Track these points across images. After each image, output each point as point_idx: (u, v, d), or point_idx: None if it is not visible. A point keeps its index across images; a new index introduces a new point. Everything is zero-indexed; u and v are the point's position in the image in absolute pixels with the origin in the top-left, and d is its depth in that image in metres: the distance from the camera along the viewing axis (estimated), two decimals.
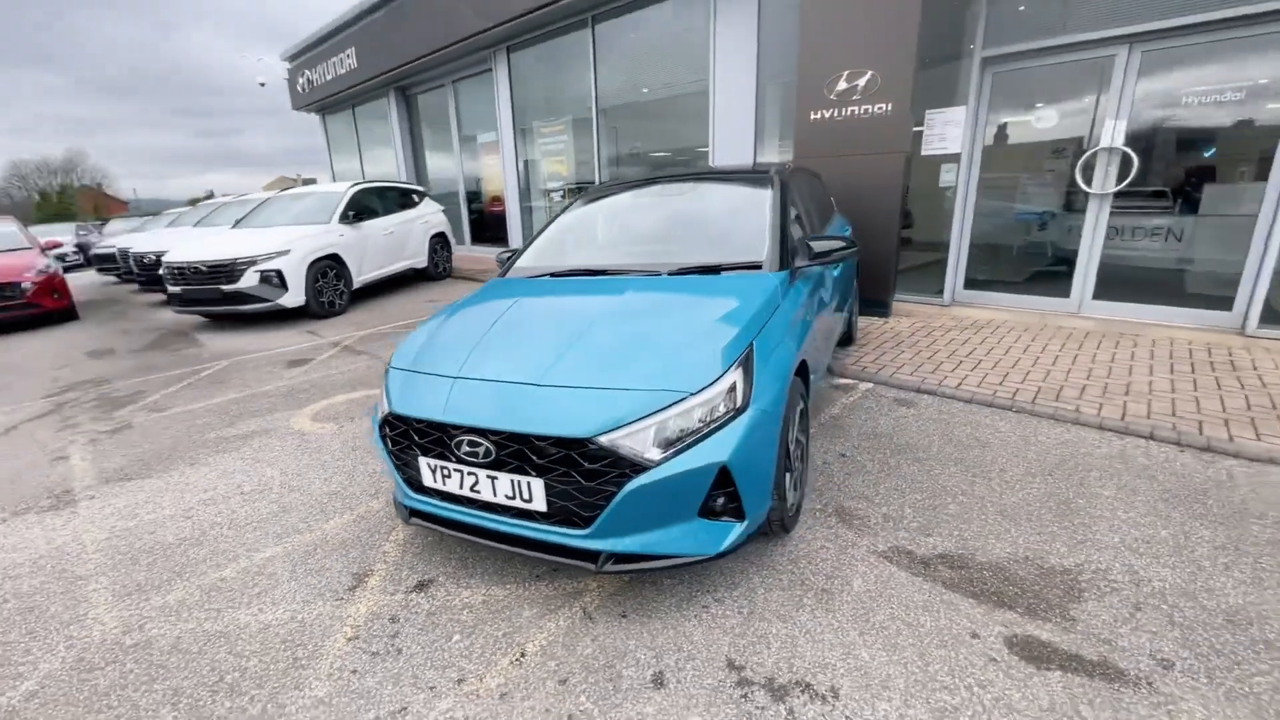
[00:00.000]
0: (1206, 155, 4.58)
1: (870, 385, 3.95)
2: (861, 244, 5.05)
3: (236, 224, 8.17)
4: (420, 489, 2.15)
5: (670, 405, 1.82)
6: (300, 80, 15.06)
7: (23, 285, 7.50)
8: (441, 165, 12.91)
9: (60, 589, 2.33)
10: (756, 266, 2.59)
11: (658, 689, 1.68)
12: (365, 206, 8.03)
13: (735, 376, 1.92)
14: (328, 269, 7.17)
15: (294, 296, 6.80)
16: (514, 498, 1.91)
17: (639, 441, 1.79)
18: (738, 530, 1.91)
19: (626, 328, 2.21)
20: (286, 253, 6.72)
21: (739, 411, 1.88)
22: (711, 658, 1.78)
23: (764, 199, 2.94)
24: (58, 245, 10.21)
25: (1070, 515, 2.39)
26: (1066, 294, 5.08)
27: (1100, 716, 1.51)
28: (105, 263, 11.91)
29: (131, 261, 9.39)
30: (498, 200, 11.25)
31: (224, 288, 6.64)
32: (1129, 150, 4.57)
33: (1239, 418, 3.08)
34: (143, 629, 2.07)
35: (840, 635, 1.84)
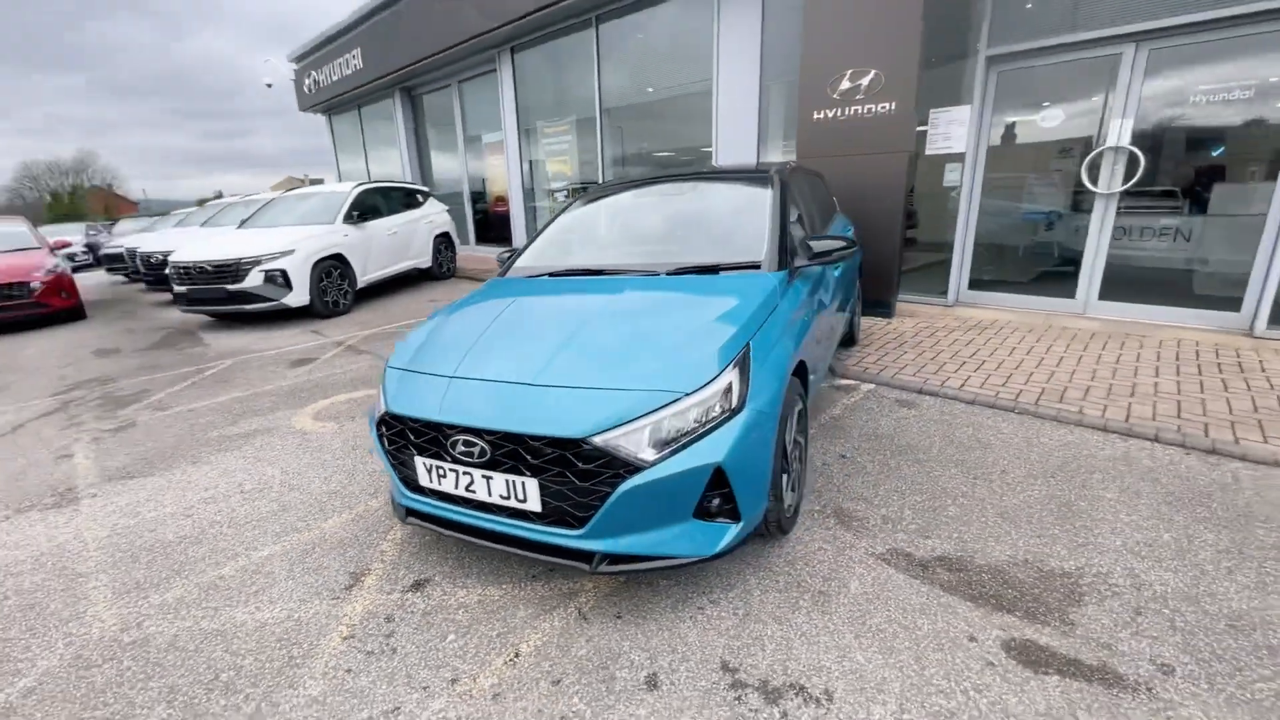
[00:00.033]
0: (1214, 154, 4.53)
1: (872, 386, 3.93)
2: (864, 244, 5.06)
3: (242, 224, 8.22)
4: (417, 488, 2.15)
5: (665, 405, 1.82)
6: (307, 81, 15.15)
7: (31, 285, 7.57)
8: (446, 165, 12.94)
9: (61, 586, 2.35)
10: (755, 266, 2.58)
11: (651, 691, 1.68)
12: (370, 206, 8.06)
13: (731, 377, 1.91)
14: (332, 269, 7.20)
15: (298, 296, 6.83)
16: (508, 498, 1.91)
17: (633, 442, 1.78)
18: (733, 532, 1.89)
19: (623, 328, 2.20)
20: (291, 252, 6.75)
21: (734, 412, 1.87)
22: (706, 659, 1.77)
23: (763, 199, 2.93)
24: (66, 245, 10.31)
25: (1072, 518, 2.37)
26: (1072, 294, 5.04)
27: None
28: (114, 262, 12.01)
29: (139, 261, 9.48)
30: (502, 200, 11.27)
31: (229, 287, 6.68)
32: (1135, 149, 4.53)
33: (1245, 420, 3.04)
34: (141, 626, 2.08)
35: (836, 638, 1.82)
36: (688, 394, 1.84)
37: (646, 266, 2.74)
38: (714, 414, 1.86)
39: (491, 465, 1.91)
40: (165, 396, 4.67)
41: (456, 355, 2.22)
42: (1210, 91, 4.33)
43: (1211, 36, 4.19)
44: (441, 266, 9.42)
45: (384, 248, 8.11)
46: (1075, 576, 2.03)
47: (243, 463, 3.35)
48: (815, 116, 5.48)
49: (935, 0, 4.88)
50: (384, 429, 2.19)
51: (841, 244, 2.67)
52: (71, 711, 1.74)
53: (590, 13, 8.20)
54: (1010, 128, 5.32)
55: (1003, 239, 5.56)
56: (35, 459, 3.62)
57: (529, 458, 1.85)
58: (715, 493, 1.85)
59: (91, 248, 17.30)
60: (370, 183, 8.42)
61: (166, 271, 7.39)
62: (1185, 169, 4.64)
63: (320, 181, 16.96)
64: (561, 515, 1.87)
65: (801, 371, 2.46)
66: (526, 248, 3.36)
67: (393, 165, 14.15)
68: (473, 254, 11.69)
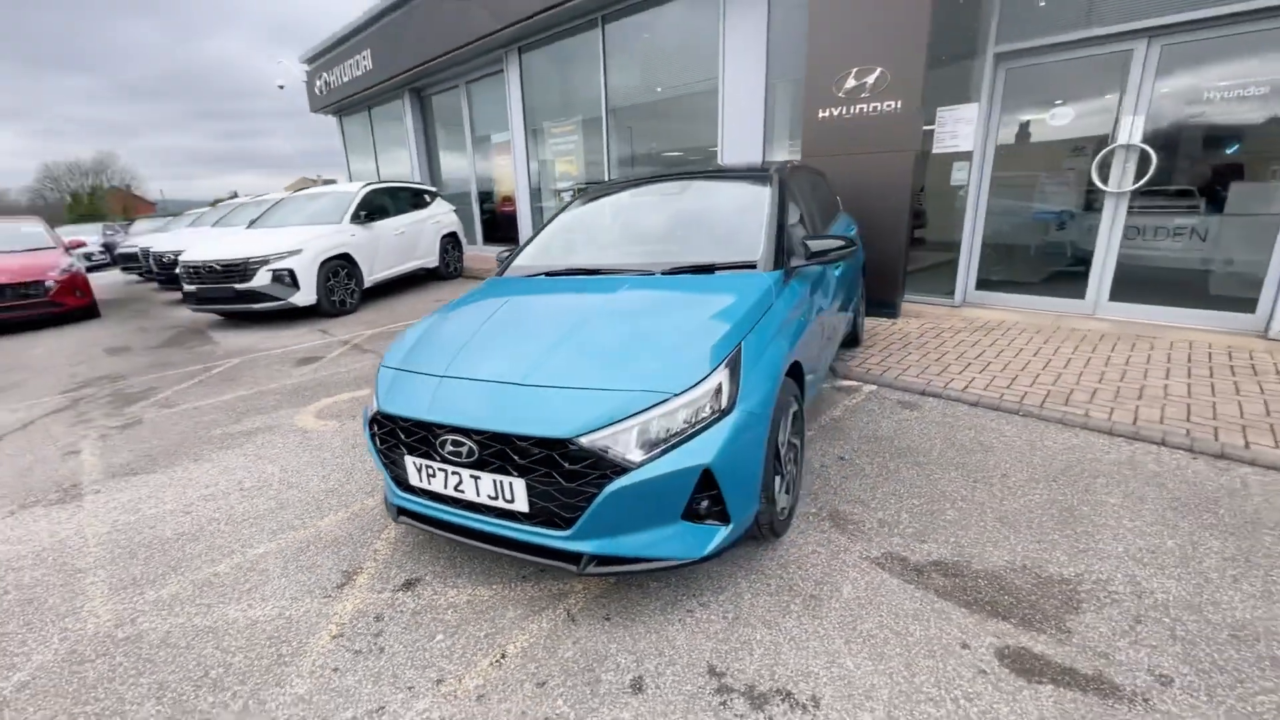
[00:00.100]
0: (1229, 152, 4.43)
1: (874, 387, 3.88)
2: (870, 244, 5.01)
3: (251, 224, 8.31)
4: (408, 488, 2.15)
5: (653, 406, 1.80)
6: (318, 83, 15.29)
7: (46, 284, 7.70)
8: (455, 165, 13.01)
9: (60, 581, 2.37)
10: (751, 266, 2.55)
11: (636, 694, 1.66)
12: (377, 206, 8.12)
13: (721, 377, 1.89)
14: (339, 268, 7.25)
15: (305, 295, 6.89)
16: (496, 498, 1.90)
17: (620, 442, 1.76)
18: (722, 534, 1.87)
19: (615, 328, 2.19)
20: (298, 252, 6.81)
21: (724, 413, 1.85)
22: (692, 663, 1.75)
23: (761, 198, 2.90)
24: (81, 245, 10.47)
25: (1073, 523, 2.32)
26: (1081, 295, 4.95)
27: None
28: (128, 262, 12.19)
29: (152, 261, 9.61)
30: (509, 200, 11.31)
31: (237, 286, 6.75)
32: (1147, 147, 4.44)
33: (1257, 423, 2.97)
34: (135, 623, 2.10)
35: (826, 643, 1.80)
36: (676, 394, 1.82)
37: (642, 266, 2.73)
38: (703, 415, 1.84)
39: (479, 465, 1.90)
40: (172, 394, 4.72)
41: (448, 355, 2.22)
42: (1226, 88, 4.23)
43: (1226, 32, 4.10)
44: (448, 266, 9.46)
45: (391, 247, 8.16)
46: (1074, 583, 1.99)
47: (243, 460, 3.38)
48: (820, 115, 5.44)
49: None
50: (376, 428, 2.20)
51: (840, 244, 2.64)
52: (63, 706, 1.76)
53: (596, 13, 8.20)
54: (1020, 126, 5.23)
55: (1013, 239, 5.47)
56: (43, 455, 3.67)
57: (516, 458, 1.84)
58: (704, 495, 1.84)
59: (108, 247, 17.62)
60: (378, 183, 8.47)
61: (177, 271, 7.48)
62: (1201, 167, 4.54)
63: (333, 181, 17.10)
64: (549, 516, 1.86)
65: (798, 373, 2.43)
66: (524, 247, 3.36)
67: (402, 166, 14.24)
68: (480, 254, 11.73)
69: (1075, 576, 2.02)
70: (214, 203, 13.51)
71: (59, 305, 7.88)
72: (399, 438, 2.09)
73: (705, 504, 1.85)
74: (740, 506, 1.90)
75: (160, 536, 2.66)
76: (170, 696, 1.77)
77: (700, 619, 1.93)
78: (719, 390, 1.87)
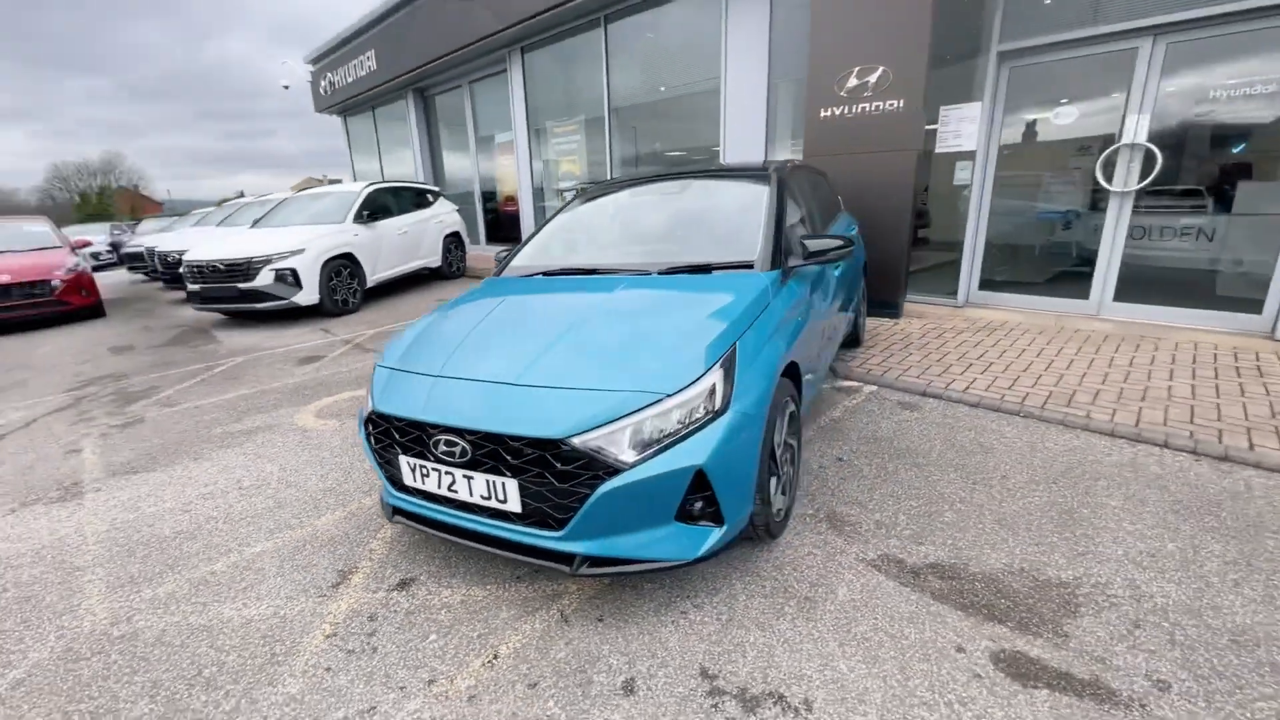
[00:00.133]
0: (1236, 151, 4.38)
1: (874, 388, 3.86)
2: (872, 243, 4.98)
3: (255, 224, 8.34)
4: (402, 487, 2.15)
5: (647, 406, 1.79)
6: (322, 83, 15.35)
7: (52, 283, 7.76)
8: (458, 165, 13.03)
9: (58, 579, 2.38)
10: (748, 266, 2.54)
11: (627, 696, 1.65)
12: (380, 206, 8.13)
13: (715, 378, 1.88)
14: (341, 268, 7.27)
15: (308, 294, 6.91)
16: (489, 498, 1.90)
17: (613, 443, 1.76)
18: (716, 536, 1.86)
19: (610, 328, 2.18)
20: (301, 251, 6.83)
21: (718, 414, 1.84)
22: (685, 665, 1.74)
23: (759, 198, 2.88)
24: (87, 244, 10.54)
25: (1072, 525, 2.30)
26: (1085, 295, 4.90)
27: None
28: (134, 261, 12.27)
29: (157, 260, 9.66)
30: (512, 200, 11.32)
31: (240, 286, 6.78)
32: (1152, 146, 4.39)
33: (1262, 426, 2.94)
34: (130, 621, 2.11)
35: (819, 645, 1.78)
36: (669, 395, 1.81)
37: (640, 266, 2.72)
38: (697, 415, 1.83)
39: (472, 465, 1.90)
40: (174, 393, 4.74)
41: (443, 355, 2.22)
42: (1233, 87, 4.19)
43: (1231, 30, 4.05)
44: (451, 266, 9.48)
45: (394, 247, 8.17)
46: (1072, 587, 1.97)
47: (243, 459, 3.39)
48: (822, 114, 5.41)
49: None
50: (371, 427, 2.20)
51: (838, 243, 2.62)
52: (57, 704, 1.76)
53: (599, 12, 8.19)
54: (1024, 125, 5.20)
55: (1017, 239, 5.44)
56: (45, 453, 3.69)
57: (509, 458, 1.83)
58: (697, 496, 1.82)
59: (115, 247, 17.74)
60: (380, 183, 8.49)
61: (181, 270, 7.52)
62: (1208, 166, 4.50)
63: (339, 181, 17.19)
64: (542, 516, 1.85)
65: (795, 373, 2.41)
66: (522, 247, 3.36)
67: (406, 166, 14.28)
68: (483, 253, 11.73)
69: (1074, 580, 2.00)
70: (219, 203, 13.58)
71: (65, 304, 7.94)
72: (393, 437, 2.09)
73: (699, 505, 1.84)
74: (734, 508, 1.89)
75: (159, 535, 2.66)
76: (164, 695, 1.77)
77: (694, 620, 1.92)
78: (713, 391, 1.86)
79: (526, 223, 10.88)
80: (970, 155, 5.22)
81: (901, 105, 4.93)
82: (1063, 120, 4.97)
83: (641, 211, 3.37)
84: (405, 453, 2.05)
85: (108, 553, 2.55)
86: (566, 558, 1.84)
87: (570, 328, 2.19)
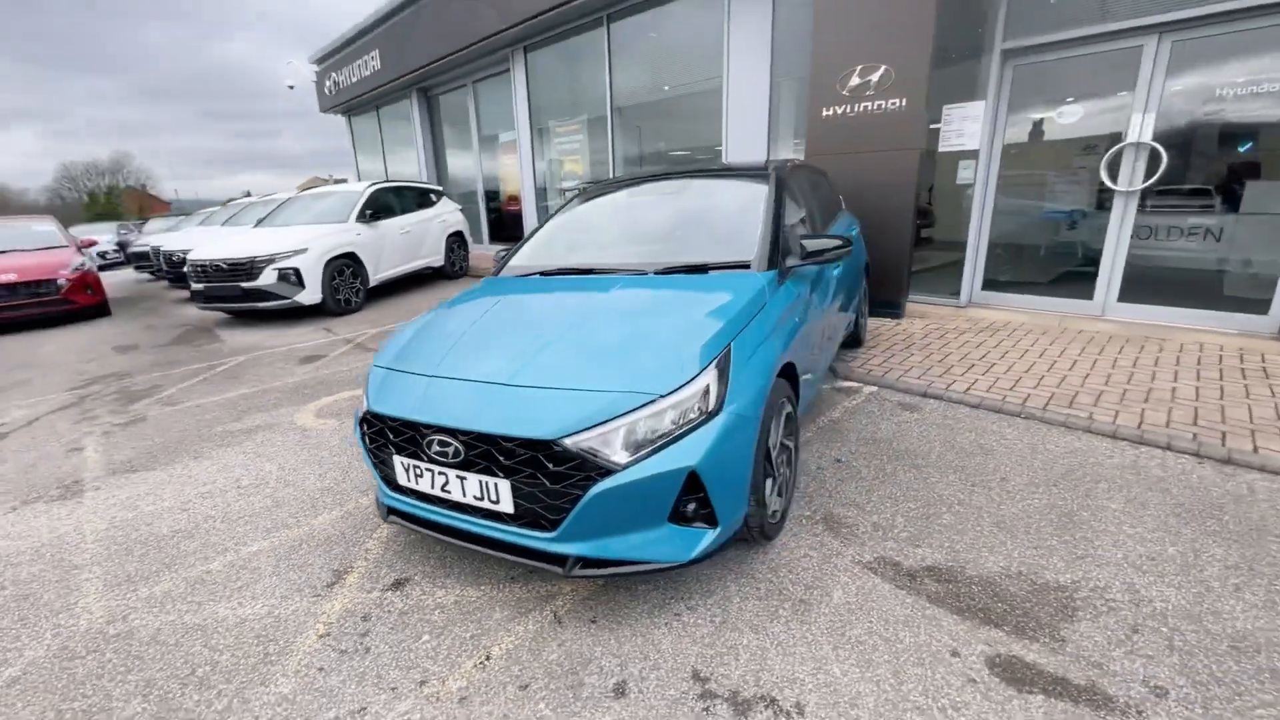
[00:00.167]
0: (1243, 150, 4.33)
1: (875, 389, 3.84)
2: (874, 243, 4.96)
3: (259, 223, 8.37)
4: (397, 487, 2.15)
5: (640, 407, 1.78)
6: (327, 83, 15.40)
7: (58, 282, 7.81)
8: (462, 165, 13.06)
9: (56, 577, 2.39)
10: (745, 266, 2.52)
11: (618, 698, 1.64)
12: (383, 206, 8.15)
13: (709, 379, 1.87)
14: (344, 267, 7.29)
15: (310, 294, 6.93)
16: (482, 499, 1.89)
17: (605, 444, 1.75)
18: (709, 537, 1.85)
19: (605, 328, 2.17)
20: (304, 251, 6.85)
21: (711, 415, 1.83)
22: (677, 668, 1.73)
23: (758, 198, 2.87)
24: (93, 244, 10.60)
25: (1072, 528, 2.27)
26: (1089, 296, 4.86)
27: None
28: (140, 260, 12.34)
29: (161, 259, 9.71)
30: (515, 199, 11.33)
31: (243, 285, 6.81)
32: (1157, 145, 4.35)
33: (1267, 428, 2.90)
34: (126, 619, 2.11)
35: (813, 649, 1.77)
36: (663, 395, 1.80)
37: (637, 266, 2.71)
38: (691, 416, 1.82)
39: (466, 465, 1.89)
40: (176, 392, 4.76)
41: (438, 355, 2.21)
42: (1240, 85, 4.14)
43: (1238, 27, 4.01)
44: (454, 265, 9.49)
45: (397, 246, 8.19)
46: (1070, 590, 1.95)
47: (242, 458, 3.40)
48: (824, 113, 5.39)
49: None
50: (366, 427, 2.20)
51: (836, 243, 2.61)
52: (51, 703, 1.77)
53: (601, 11, 8.19)
54: (1028, 124, 5.16)
55: (1022, 238, 5.40)
56: (47, 452, 3.71)
57: (501, 458, 1.82)
58: (691, 497, 1.81)
59: (122, 246, 17.85)
60: (383, 182, 8.51)
61: (185, 270, 7.56)
62: (1215, 165, 4.45)
63: (344, 181, 17.25)
64: (534, 517, 1.85)
65: (792, 374, 2.40)
66: (521, 246, 3.35)
67: (410, 165, 14.32)
68: (486, 253, 11.74)
69: (1072, 583, 1.98)
70: (224, 202, 13.64)
71: (70, 303, 7.99)
72: (388, 437, 2.09)
73: (692, 506, 1.83)
74: (728, 509, 1.88)
75: (156, 533, 2.67)
76: (157, 694, 1.78)
77: (687, 623, 1.91)
78: (707, 392, 1.85)
79: (529, 222, 10.89)
80: (973, 154, 5.19)
81: (904, 104, 4.90)
82: (1067, 119, 4.92)
83: (640, 211, 3.36)
84: (399, 453, 2.05)
85: (106, 551, 2.56)
86: (559, 559, 1.83)
87: (565, 328, 2.19)
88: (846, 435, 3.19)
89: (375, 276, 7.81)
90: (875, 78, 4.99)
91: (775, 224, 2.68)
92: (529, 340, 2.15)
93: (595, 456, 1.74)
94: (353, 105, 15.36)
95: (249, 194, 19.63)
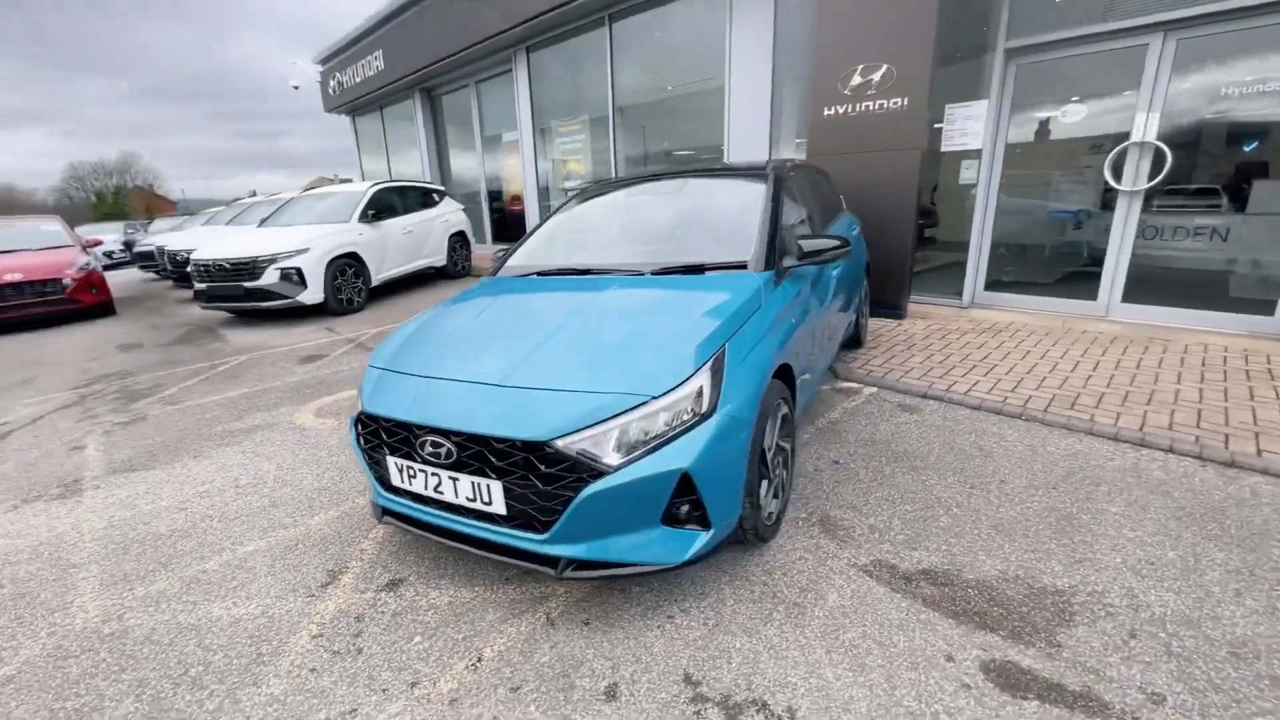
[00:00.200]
0: (1249, 149, 4.29)
1: (875, 390, 3.82)
2: (875, 243, 4.94)
3: (262, 223, 8.40)
4: (391, 488, 2.15)
5: (632, 409, 1.77)
6: (331, 83, 15.44)
7: (63, 281, 7.86)
8: (465, 165, 13.07)
9: (53, 576, 2.40)
10: (742, 266, 2.51)
11: (609, 701, 1.63)
12: (385, 206, 8.17)
13: (703, 380, 1.86)
14: (346, 267, 7.30)
15: (312, 294, 6.95)
16: (474, 500, 1.89)
17: (597, 445, 1.74)
18: (703, 540, 1.84)
19: (599, 329, 2.16)
20: (305, 251, 6.87)
21: (705, 416, 1.82)
22: (669, 671, 1.72)
23: (755, 198, 2.85)
24: (98, 243, 10.68)
25: (1071, 532, 2.25)
26: (1093, 296, 4.83)
27: None
28: (146, 260, 12.41)
29: (166, 259, 9.76)
30: (518, 199, 11.33)
31: (246, 284, 6.84)
32: (1162, 145, 4.31)
33: (1271, 430, 2.87)
34: (121, 619, 2.12)
35: (806, 652, 1.76)
36: (655, 397, 1.79)
37: (634, 266, 2.70)
38: (684, 418, 1.81)
39: (458, 466, 1.89)
40: (178, 391, 4.78)
41: (432, 355, 2.21)
42: (1247, 84, 4.10)
43: (1244, 25, 3.97)
44: (457, 265, 9.50)
45: (399, 246, 8.20)
46: (1068, 595, 1.93)
47: (241, 458, 3.41)
48: (826, 113, 5.36)
49: None
50: (360, 428, 2.19)
51: (834, 244, 2.59)
52: (44, 702, 1.77)
53: (603, 11, 8.18)
54: (1032, 123, 5.12)
55: (1026, 238, 5.36)
56: (49, 450, 3.73)
57: (493, 460, 1.82)
58: (683, 499, 1.80)
59: (128, 245, 17.96)
60: (386, 182, 8.53)
61: (188, 269, 7.59)
62: (1221, 165, 4.40)
63: (350, 181, 17.32)
64: (527, 519, 1.84)
65: (789, 375, 2.39)
66: (519, 246, 3.35)
67: (414, 165, 14.34)
68: (489, 253, 11.76)
69: (1070, 588, 1.96)
70: (229, 202, 13.71)
71: (76, 302, 8.04)
72: (382, 438, 2.08)
73: (685, 509, 1.82)
74: (722, 511, 1.87)
75: (154, 532, 2.68)
76: (149, 694, 1.78)
77: (680, 625, 1.90)
78: (700, 393, 1.84)
79: (532, 222, 10.89)
80: (976, 154, 5.16)
81: (905, 104, 4.87)
82: (1071, 118, 4.89)
83: (638, 211, 3.35)
84: (393, 453, 2.05)
85: (103, 550, 2.56)
86: (551, 561, 1.82)
87: (559, 328, 2.18)
88: (845, 437, 3.18)
89: (377, 276, 7.82)
90: (877, 77, 4.97)
91: (772, 224, 2.67)
92: (523, 341, 2.14)
93: (587, 458, 1.73)
94: (357, 105, 15.39)
95: (255, 194, 19.71)
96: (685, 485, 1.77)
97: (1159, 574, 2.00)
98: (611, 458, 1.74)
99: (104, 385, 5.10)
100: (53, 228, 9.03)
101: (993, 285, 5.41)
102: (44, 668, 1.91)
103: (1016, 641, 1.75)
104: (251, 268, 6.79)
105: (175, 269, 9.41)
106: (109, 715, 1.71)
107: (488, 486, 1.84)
